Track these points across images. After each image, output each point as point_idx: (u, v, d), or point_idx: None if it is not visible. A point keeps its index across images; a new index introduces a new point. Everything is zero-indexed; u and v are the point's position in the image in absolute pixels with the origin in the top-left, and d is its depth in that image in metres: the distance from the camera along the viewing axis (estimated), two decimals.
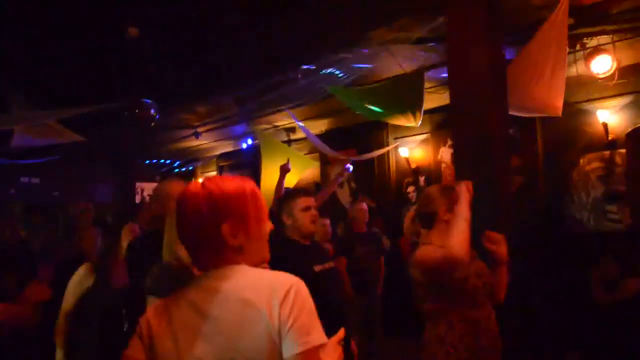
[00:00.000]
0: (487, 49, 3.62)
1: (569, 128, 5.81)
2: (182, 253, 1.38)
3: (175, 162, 11.31)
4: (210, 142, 9.78)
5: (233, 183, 1.38)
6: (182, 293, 1.34)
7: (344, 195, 8.42)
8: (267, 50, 5.74)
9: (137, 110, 6.16)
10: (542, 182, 6.12)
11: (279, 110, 7.35)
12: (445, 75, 4.98)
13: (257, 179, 6.77)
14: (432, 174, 7.33)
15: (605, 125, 5.58)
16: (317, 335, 1.24)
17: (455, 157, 4.15)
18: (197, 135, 8.75)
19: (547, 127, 6.00)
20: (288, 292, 1.23)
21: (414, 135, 7.46)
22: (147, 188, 10.48)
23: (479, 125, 3.58)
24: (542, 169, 6.14)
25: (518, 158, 6.10)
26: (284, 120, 8.10)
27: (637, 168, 4.36)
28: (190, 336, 1.27)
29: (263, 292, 1.23)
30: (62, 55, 6.05)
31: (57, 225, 6.78)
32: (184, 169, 11.48)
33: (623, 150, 5.43)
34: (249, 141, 9.31)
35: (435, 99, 6.27)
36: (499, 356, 2.45)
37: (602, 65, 5.21)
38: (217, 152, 10.83)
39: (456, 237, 2.28)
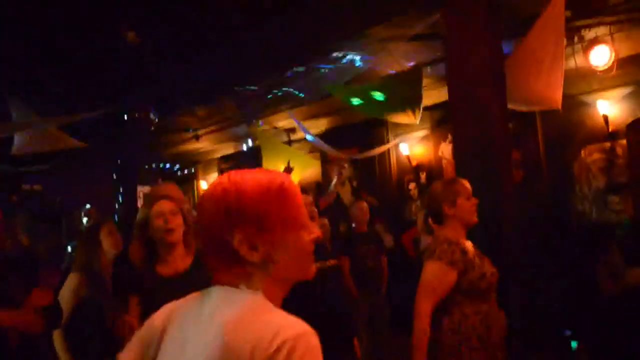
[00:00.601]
0: (486, 47, 3.63)
1: (569, 120, 5.82)
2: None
3: (175, 166, 11.32)
4: (211, 145, 9.80)
5: (256, 178, 1.07)
6: (189, 301, 1.14)
7: (346, 194, 8.43)
8: (266, 50, 5.75)
9: (136, 114, 6.18)
10: (543, 176, 6.13)
11: (279, 111, 7.37)
12: (443, 71, 4.99)
13: None
14: (433, 170, 7.34)
15: (605, 117, 5.58)
16: None
17: (455, 153, 4.16)
18: (197, 137, 8.77)
19: (547, 120, 6.01)
20: (280, 347, 0.90)
21: (414, 132, 7.47)
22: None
23: (479, 121, 3.59)
24: (543, 162, 6.15)
25: (519, 152, 6.11)
26: (284, 120, 8.12)
27: (639, 159, 4.36)
28: (171, 353, 1.08)
29: (247, 341, 0.93)
30: (59, 57, 6.06)
31: (61, 230, 6.80)
32: (186, 172, 11.49)
33: (624, 142, 5.43)
34: (250, 142, 9.33)
35: (434, 95, 6.27)
36: (505, 350, 2.47)
37: (601, 57, 5.21)
38: (218, 155, 10.85)
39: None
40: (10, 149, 6.44)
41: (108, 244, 3.38)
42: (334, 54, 5.57)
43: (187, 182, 11.31)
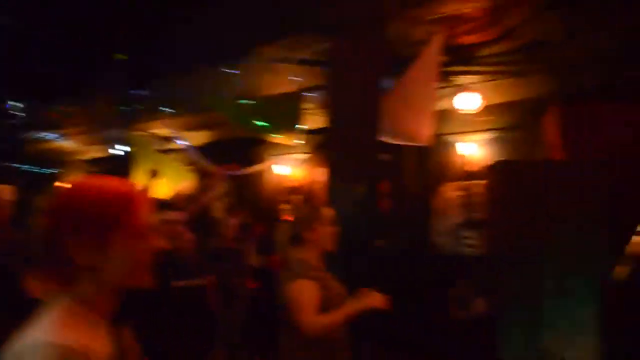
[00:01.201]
0: (365, 76, 3.78)
1: (433, 158, 6.24)
2: None
3: (35, 166, 10.38)
4: (79, 146, 9.14)
5: (101, 185, 1.10)
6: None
7: (219, 210, 8.25)
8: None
9: None
10: (408, 208, 6.45)
11: (156, 118, 7.08)
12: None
13: None
14: (306, 192, 7.43)
15: (463, 157, 6.08)
16: None
17: (328, 178, 4.25)
18: (64, 136, 8.15)
19: (415, 156, 6.37)
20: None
21: (295, 154, 7.54)
22: None
23: (351, 149, 3.71)
24: (408, 195, 6.49)
25: (389, 183, 6.39)
26: (161, 128, 7.80)
27: (498, 198, 4.72)
28: None
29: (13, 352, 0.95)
30: None
31: None
32: (47, 172, 10.57)
33: (481, 182, 5.87)
34: (121, 147, 8.79)
35: (316, 120, 6.38)
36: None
37: (468, 101, 5.62)
38: (87, 157, 10.15)
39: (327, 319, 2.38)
40: None
41: None
42: (222, 69, 5.51)
43: (50, 183, 10.41)
